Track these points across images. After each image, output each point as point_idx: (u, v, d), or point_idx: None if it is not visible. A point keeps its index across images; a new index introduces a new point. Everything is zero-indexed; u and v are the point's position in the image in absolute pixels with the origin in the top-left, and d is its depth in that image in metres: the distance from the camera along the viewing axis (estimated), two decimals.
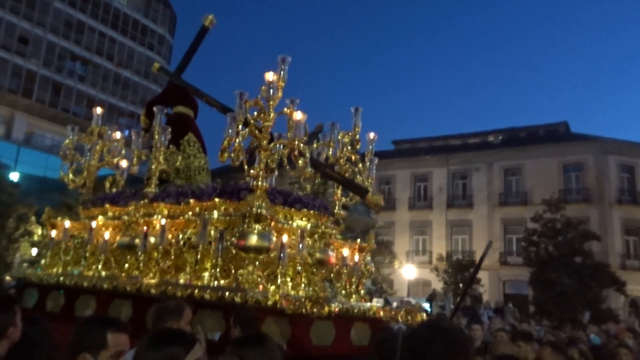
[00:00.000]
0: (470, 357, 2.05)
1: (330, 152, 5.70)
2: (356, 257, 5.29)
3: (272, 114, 4.64)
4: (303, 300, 4.05)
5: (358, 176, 5.57)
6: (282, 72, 4.81)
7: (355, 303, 5.11)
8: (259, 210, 4.37)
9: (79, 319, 4.65)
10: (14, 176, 32.19)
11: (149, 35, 47.32)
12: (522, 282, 32.17)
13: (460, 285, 30.86)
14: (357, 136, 5.76)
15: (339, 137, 5.73)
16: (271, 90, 4.68)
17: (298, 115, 4.66)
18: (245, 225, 4.43)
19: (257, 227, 4.37)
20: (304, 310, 3.99)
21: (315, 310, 4.01)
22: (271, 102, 4.66)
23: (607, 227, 32.74)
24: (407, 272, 33.53)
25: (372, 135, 5.85)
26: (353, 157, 5.91)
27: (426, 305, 21.93)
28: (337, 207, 5.70)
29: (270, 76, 4.69)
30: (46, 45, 41.66)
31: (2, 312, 2.89)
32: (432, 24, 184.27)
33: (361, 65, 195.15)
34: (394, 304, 19.81)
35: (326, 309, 4.02)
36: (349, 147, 5.82)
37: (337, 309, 4.24)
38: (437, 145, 43.25)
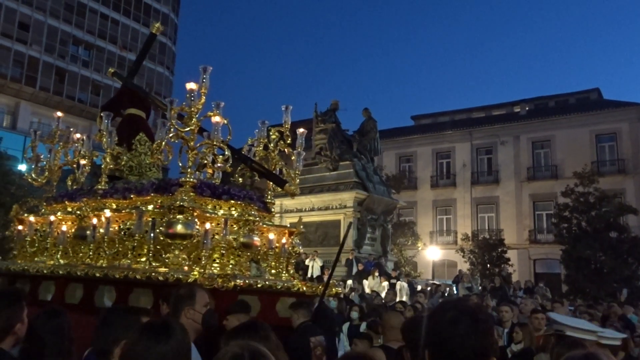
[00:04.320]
0: (494, 335, 2.08)
1: (261, 147, 6.91)
2: (283, 240, 6.49)
3: (193, 119, 5.83)
4: (215, 277, 5.29)
5: (284, 169, 6.77)
6: (203, 81, 5.98)
7: (282, 280, 6.35)
8: (181, 202, 5.60)
9: (42, 302, 6.00)
10: (22, 168, 34.19)
11: (152, 15, 48.52)
12: (553, 261, 32.86)
13: (488, 265, 31.70)
14: (287, 132, 6.95)
15: (270, 134, 6.95)
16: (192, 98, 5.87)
17: (217, 119, 5.87)
18: (171, 216, 5.67)
19: (180, 217, 5.60)
20: (216, 285, 5.22)
21: (225, 284, 5.25)
22: (193, 109, 5.84)
23: None
24: (431, 253, 34.43)
25: (301, 130, 7.00)
26: (287, 150, 7.10)
27: (452, 288, 22.94)
28: (269, 196, 6.91)
29: (191, 85, 5.87)
30: (47, 30, 43.54)
31: (9, 308, 2.99)
32: None
33: (378, 37, 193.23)
34: (419, 287, 20.92)
35: (232, 283, 5.29)
36: (281, 142, 7.03)
37: (242, 283, 5.46)
38: (460, 119, 43.66)
